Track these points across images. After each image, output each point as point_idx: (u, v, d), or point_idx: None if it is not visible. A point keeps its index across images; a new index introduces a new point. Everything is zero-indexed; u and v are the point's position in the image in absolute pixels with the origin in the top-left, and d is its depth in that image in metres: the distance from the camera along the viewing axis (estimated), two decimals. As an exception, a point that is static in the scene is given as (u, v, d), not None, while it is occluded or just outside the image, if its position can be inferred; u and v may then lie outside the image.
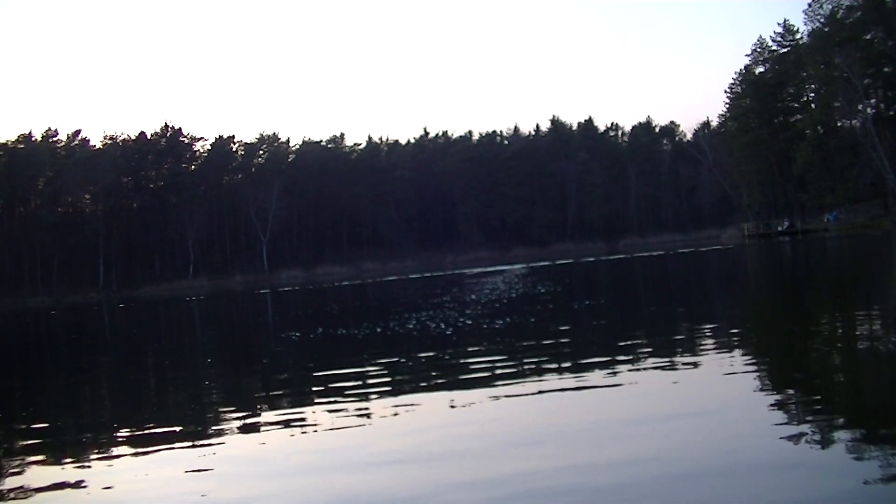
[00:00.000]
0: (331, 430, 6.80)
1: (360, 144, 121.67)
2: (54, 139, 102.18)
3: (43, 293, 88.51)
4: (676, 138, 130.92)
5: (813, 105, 74.86)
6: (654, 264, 40.53)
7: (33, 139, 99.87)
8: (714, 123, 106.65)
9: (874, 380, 7.20)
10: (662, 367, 8.38)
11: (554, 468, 5.05)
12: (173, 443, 6.88)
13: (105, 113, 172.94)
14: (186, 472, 5.77)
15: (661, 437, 5.56)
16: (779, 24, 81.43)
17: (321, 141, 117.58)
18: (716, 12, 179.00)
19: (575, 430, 6.01)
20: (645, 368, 8.40)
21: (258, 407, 8.47)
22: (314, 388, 9.35)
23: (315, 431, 6.81)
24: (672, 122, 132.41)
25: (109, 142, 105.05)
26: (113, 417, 8.99)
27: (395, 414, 7.20)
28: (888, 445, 4.94)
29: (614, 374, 8.23)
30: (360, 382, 9.23)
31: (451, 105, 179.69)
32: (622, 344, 10.70)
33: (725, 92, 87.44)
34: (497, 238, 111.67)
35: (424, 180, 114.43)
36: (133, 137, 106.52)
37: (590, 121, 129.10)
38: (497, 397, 7.55)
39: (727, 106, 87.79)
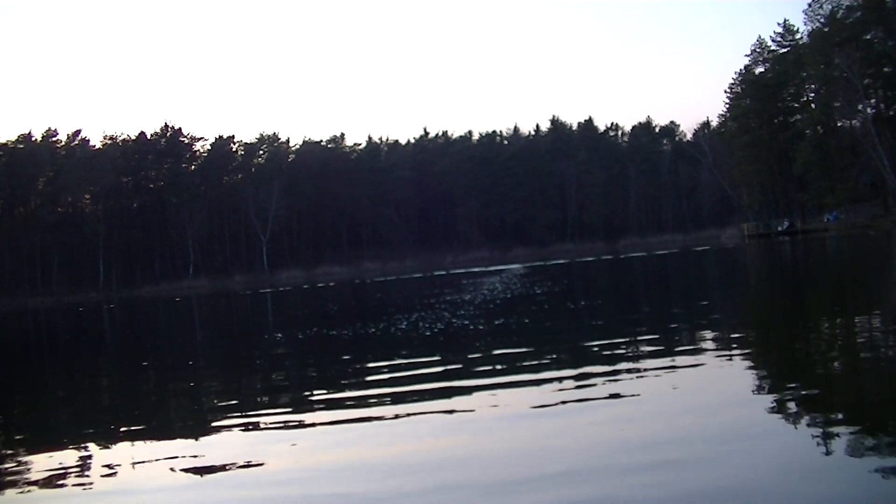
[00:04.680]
0: (313, 433, 6.72)
1: (360, 144, 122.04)
2: (54, 139, 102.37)
3: (43, 293, 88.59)
4: (676, 138, 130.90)
5: (813, 105, 74.78)
6: (654, 264, 40.43)
7: (33, 139, 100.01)
8: (714, 123, 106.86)
9: (874, 378, 7.13)
10: (660, 366, 8.27)
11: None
12: (162, 442, 6.81)
13: (105, 113, 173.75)
14: (174, 470, 5.72)
15: (658, 436, 5.49)
16: (779, 24, 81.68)
17: (321, 141, 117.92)
18: (715, 12, 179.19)
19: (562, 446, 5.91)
20: (644, 366, 8.29)
21: (252, 408, 8.38)
22: (286, 391, 9.27)
23: (296, 433, 6.73)
24: (672, 122, 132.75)
25: (109, 142, 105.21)
26: (104, 417, 8.89)
27: (381, 417, 7.10)
28: (888, 443, 4.90)
29: (614, 373, 8.12)
30: (343, 384, 9.13)
31: (451, 105, 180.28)
32: (621, 345, 10.58)
33: (725, 92, 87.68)
34: (497, 238, 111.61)
35: (424, 180, 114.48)
36: (133, 137, 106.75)
37: (590, 121, 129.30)
38: (496, 402, 7.45)
39: (727, 106, 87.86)
